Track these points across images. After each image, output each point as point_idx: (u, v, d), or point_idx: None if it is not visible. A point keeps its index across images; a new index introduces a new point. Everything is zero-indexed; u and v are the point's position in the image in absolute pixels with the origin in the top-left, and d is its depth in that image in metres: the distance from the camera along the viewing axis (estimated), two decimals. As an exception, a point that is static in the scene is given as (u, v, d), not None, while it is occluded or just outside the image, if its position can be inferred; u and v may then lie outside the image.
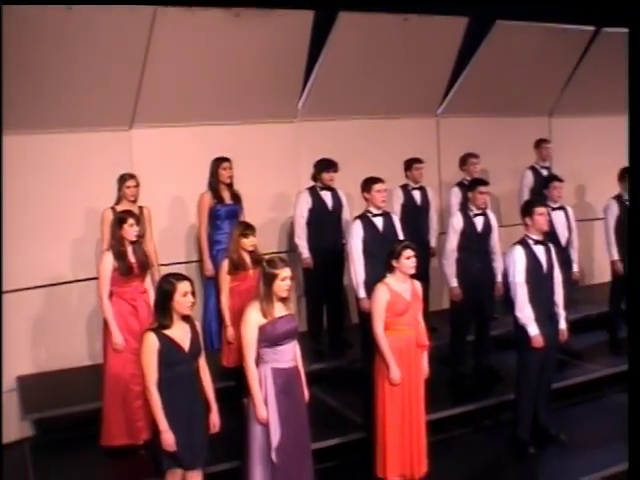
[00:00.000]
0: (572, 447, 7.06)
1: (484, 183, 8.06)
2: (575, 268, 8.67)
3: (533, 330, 6.73)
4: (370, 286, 6.66)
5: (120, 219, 6.76)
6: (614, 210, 9.12)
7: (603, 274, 10.31)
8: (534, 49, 10.14)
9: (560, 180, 8.67)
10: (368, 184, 7.59)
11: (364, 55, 9.09)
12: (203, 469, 5.52)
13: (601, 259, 10.30)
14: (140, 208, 7.61)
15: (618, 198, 9.17)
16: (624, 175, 9.23)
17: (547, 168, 10.01)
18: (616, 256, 9.07)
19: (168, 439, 5.13)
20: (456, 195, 9.24)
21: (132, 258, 6.73)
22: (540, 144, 10.21)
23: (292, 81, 8.98)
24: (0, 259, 7.22)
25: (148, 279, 6.87)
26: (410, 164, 8.94)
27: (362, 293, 7.27)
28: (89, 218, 7.93)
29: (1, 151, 7.22)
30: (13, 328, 7.57)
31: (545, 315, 6.87)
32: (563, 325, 7.09)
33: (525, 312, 6.76)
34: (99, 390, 6.77)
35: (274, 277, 5.53)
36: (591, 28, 10.60)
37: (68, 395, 7.37)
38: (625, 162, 9.70)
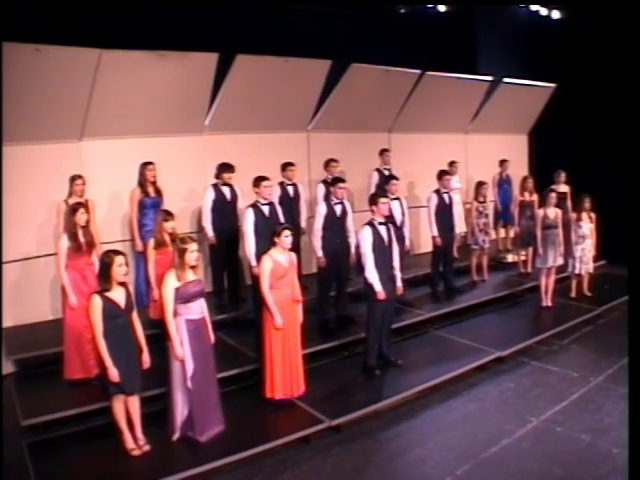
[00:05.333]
0: (405, 368, 7.21)
1: (342, 180, 8.09)
2: (407, 242, 8.82)
3: (378, 287, 6.85)
4: (259, 257, 6.62)
5: (73, 209, 6.68)
6: (434, 200, 9.32)
7: (426, 246, 10.52)
8: (378, 84, 10.25)
9: (397, 179, 8.74)
10: (258, 181, 7.56)
11: (254, 86, 9.02)
12: (139, 394, 5.56)
13: (425, 235, 10.50)
14: (86, 201, 7.41)
15: (437, 192, 9.38)
16: (441, 175, 9.46)
17: (388, 170, 10.09)
18: (435, 233, 9.29)
19: (113, 373, 5.23)
20: (321, 189, 9.25)
21: (82, 239, 6.67)
22: (383, 152, 10.31)
23: (201, 105, 8.89)
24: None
25: (94, 254, 6.73)
26: (285, 166, 8.89)
27: (253, 262, 7.20)
28: (48, 209, 7.72)
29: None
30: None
31: (386, 276, 6.96)
32: (399, 283, 7.21)
33: (372, 274, 6.86)
34: (60, 337, 6.74)
35: (185, 250, 5.55)
36: (418, 71, 10.81)
37: (38, 341, 7.24)
38: (442, 166, 10.02)
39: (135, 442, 5.50)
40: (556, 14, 12.12)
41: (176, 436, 5.70)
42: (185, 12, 9.19)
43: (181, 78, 8.33)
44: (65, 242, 6.58)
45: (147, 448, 5.51)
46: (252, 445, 5.63)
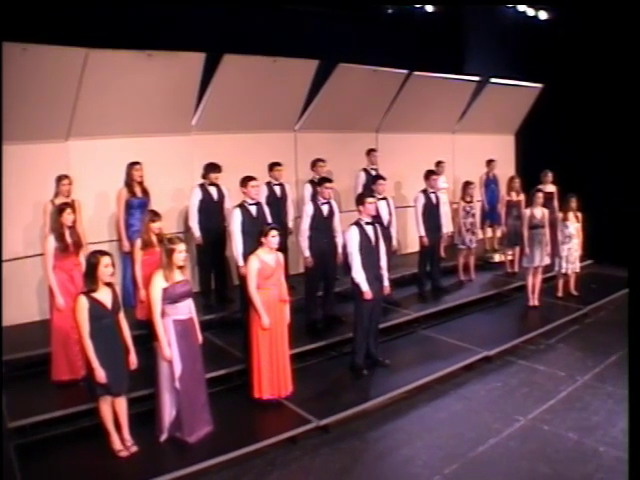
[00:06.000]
0: (393, 368, 7.24)
1: (329, 180, 8.12)
2: (394, 242, 8.84)
3: (365, 287, 6.86)
4: (246, 257, 6.62)
5: (60, 209, 6.66)
6: (421, 200, 9.36)
7: (413, 245, 10.56)
8: (365, 84, 10.28)
9: (384, 178, 8.79)
10: (245, 181, 7.58)
11: (242, 86, 9.02)
12: (126, 395, 5.55)
13: (412, 235, 10.55)
14: (72, 201, 7.37)
15: (424, 191, 9.42)
16: (428, 175, 9.50)
17: (375, 170, 10.11)
18: (422, 232, 9.33)
19: (99, 374, 5.23)
20: (308, 189, 9.21)
21: (69, 239, 6.66)
22: (370, 152, 10.33)
23: (188, 105, 8.88)
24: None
25: (81, 255, 6.71)
26: (272, 166, 8.85)
27: (241, 262, 7.20)
28: (34, 209, 7.71)
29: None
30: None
31: (373, 276, 6.98)
32: (386, 283, 7.24)
33: (359, 274, 6.87)
34: (47, 338, 6.72)
35: (172, 251, 5.55)
36: (405, 71, 10.84)
37: (25, 342, 7.20)
38: (429, 166, 10.07)
39: (123, 443, 5.50)
40: (543, 15, 12.24)
41: (164, 437, 5.70)
42: (172, 11, 9.19)
43: (168, 78, 8.32)
44: (52, 243, 6.57)
45: (135, 449, 5.50)
46: (240, 445, 5.63)
